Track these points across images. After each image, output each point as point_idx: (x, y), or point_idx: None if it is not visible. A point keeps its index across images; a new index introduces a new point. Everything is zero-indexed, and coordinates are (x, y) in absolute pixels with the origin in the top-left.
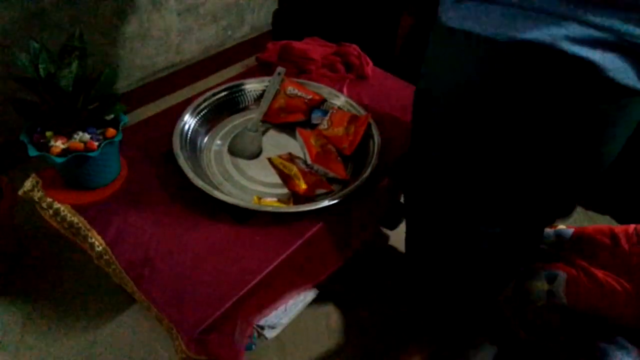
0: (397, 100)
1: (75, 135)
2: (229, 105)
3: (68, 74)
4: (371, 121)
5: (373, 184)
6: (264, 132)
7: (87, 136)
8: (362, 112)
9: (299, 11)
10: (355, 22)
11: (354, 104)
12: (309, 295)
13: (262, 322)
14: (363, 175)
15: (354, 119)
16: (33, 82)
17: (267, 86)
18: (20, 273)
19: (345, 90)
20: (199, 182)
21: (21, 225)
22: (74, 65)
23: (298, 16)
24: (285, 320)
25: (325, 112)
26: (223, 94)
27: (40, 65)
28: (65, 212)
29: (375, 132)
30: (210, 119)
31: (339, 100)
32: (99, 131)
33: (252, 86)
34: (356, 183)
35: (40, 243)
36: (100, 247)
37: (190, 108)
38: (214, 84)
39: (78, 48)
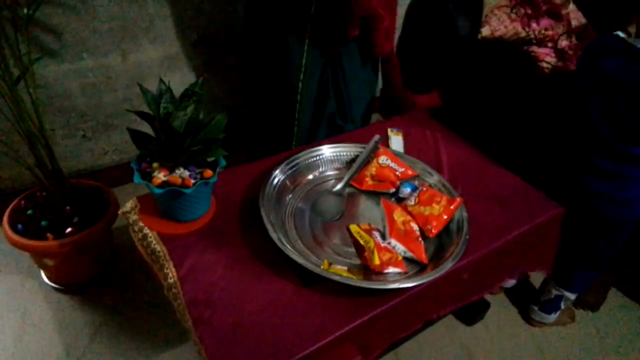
0: (498, 190)
1: (177, 171)
2: (320, 164)
3: (183, 115)
4: (463, 207)
5: (453, 275)
6: (349, 196)
7: (186, 173)
8: (455, 194)
9: (412, 85)
10: None
11: (447, 184)
12: None
13: None
14: (443, 264)
15: (444, 200)
16: (152, 118)
17: (361, 152)
18: (104, 284)
19: (445, 168)
20: (274, 235)
21: (119, 240)
22: (190, 109)
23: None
24: None
25: (415, 188)
26: (316, 153)
27: (161, 104)
28: (152, 239)
29: (465, 219)
30: (300, 175)
31: (432, 178)
32: (198, 170)
33: (347, 150)
34: (433, 272)
35: (130, 261)
36: (172, 280)
37: (284, 162)
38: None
39: (197, 94)
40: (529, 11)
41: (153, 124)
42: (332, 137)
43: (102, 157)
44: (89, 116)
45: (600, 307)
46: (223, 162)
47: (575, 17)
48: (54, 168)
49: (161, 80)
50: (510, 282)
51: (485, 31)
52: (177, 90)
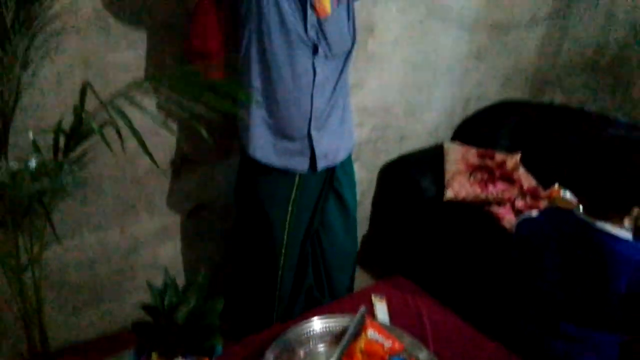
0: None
1: (175, 359)
2: (310, 339)
3: (185, 308)
4: None
5: None
6: None
7: None
8: None
9: (388, 241)
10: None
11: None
12: None
13: None
14: None
15: None
16: (156, 311)
17: (348, 325)
18: None
19: (430, 339)
20: None
21: None
22: (192, 300)
23: (386, 245)
24: None
25: None
26: (306, 328)
27: (165, 298)
28: None
29: None
30: (291, 351)
31: (422, 353)
32: (194, 358)
33: (336, 322)
34: None
35: None
36: None
37: (276, 340)
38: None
39: (199, 284)
40: (485, 176)
41: (157, 317)
42: (318, 308)
43: (89, 329)
44: (82, 289)
45: None
46: (219, 351)
47: (526, 180)
48: (44, 350)
49: (166, 272)
50: None
51: (449, 193)
52: (171, 260)
